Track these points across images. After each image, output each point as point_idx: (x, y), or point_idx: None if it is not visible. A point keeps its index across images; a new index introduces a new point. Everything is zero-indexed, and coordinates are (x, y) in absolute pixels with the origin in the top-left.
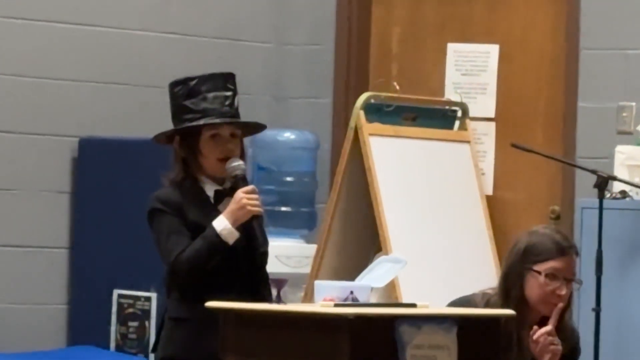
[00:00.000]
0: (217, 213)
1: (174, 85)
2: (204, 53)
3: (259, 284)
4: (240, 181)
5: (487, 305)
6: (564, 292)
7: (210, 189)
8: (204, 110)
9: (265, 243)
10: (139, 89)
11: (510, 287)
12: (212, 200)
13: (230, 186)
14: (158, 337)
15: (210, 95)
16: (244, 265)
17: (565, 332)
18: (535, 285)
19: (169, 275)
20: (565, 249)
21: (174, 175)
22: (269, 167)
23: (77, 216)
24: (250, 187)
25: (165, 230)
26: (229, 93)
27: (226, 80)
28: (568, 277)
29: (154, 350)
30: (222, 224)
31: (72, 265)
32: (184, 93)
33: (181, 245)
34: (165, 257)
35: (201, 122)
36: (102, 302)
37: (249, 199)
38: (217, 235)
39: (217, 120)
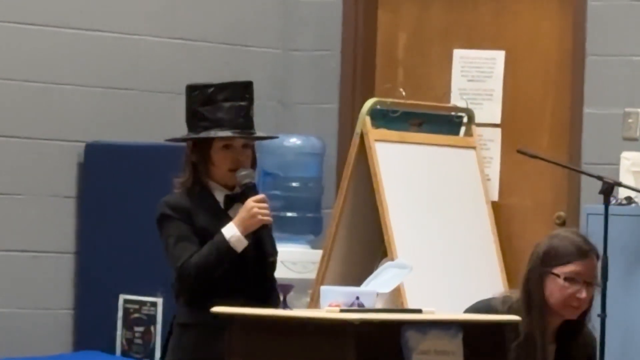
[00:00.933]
0: (227, 218)
1: (191, 89)
2: (211, 58)
3: (267, 291)
4: (250, 190)
5: (509, 310)
6: (584, 295)
7: (220, 195)
8: (219, 120)
9: (274, 252)
10: (146, 94)
11: (532, 291)
12: (222, 206)
13: (240, 192)
14: (167, 342)
15: (227, 105)
16: (253, 273)
17: (585, 338)
18: (555, 289)
19: (177, 281)
20: (586, 252)
21: (184, 179)
22: (275, 172)
23: (83, 221)
24: (260, 196)
25: (174, 236)
26: (244, 103)
27: (244, 89)
28: (588, 280)
29: (163, 357)
30: (231, 231)
31: (78, 270)
32: (200, 99)
33: (189, 251)
34: (173, 262)
35: (211, 133)
36: (108, 307)
37: (259, 207)
38: (225, 243)
39: (229, 134)
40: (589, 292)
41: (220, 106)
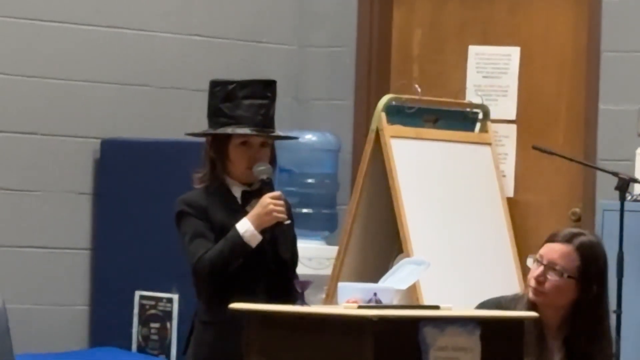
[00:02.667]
0: (244, 214)
1: (214, 84)
2: (226, 55)
3: (285, 288)
4: (266, 185)
5: (516, 307)
6: (536, 273)
7: (237, 190)
8: (237, 118)
9: (290, 250)
10: (162, 91)
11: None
12: (239, 202)
13: (257, 188)
14: (188, 340)
15: (247, 102)
16: (272, 270)
17: (601, 342)
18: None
19: (193, 277)
20: (554, 236)
21: (202, 175)
22: (290, 168)
23: (99, 217)
24: (277, 193)
25: (190, 233)
26: (265, 101)
27: (266, 87)
28: (545, 262)
29: (184, 353)
30: (245, 226)
31: (94, 266)
32: (221, 95)
33: (204, 248)
34: (189, 259)
35: (229, 130)
36: (124, 303)
37: (275, 205)
38: (239, 238)
39: (247, 131)
40: (550, 275)
41: (240, 103)
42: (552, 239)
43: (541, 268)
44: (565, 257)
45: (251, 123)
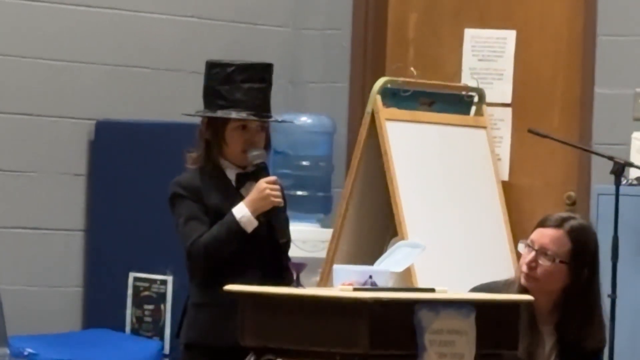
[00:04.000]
0: (239, 197)
1: (211, 65)
2: (222, 37)
3: (280, 270)
4: (261, 170)
5: (507, 292)
6: (528, 259)
7: (231, 173)
8: (236, 101)
9: (286, 234)
10: (156, 72)
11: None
12: (233, 184)
13: (252, 171)
14: (181, 322)
15: (245, 86)
16: (267, 253)
17: (592, 327)
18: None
19: (187, 260)
20: (545, 221)
21: (197, 156)
22: (285, 151)
23: (93, 199)
24: (273, 178)
25: (184, 216)
26: (263, 85)
27: (263, 71)
28: (537, 247)
29: (177, 336)
30: (241, 211)
31: (88, 247)
32: (220, 78)
33: (199, 231)
34: (183, 242)
35: (228, 114)
36: (117, 285)
37: (271, 189)
38: (236, 223)
39: (245, 115)
40: (542, 260)
41: (239, 87)
42: (542, 224)
43: (532, 253)
44: (556, 241)
45: (250, 107)
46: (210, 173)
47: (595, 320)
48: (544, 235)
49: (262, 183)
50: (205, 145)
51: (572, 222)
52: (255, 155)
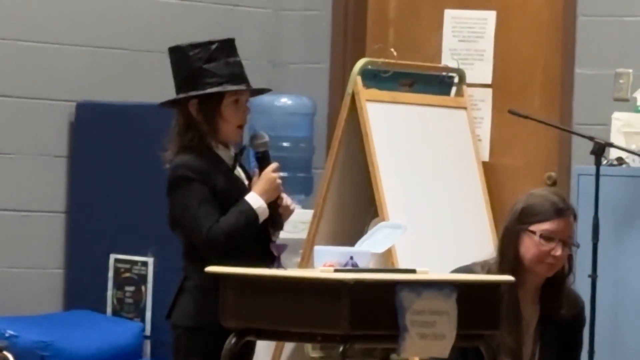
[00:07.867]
0: (237, 179)
1: (190, 48)
2: (202, 18)
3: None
4: (266, 158)
5: (488, 273)
6: (559, 253)
7: (224, 155)
8: (229, 75)
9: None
10: (137, 54)
11: (506, 247)
12: (229, 166)
13: (257, 157)
14: (173, 304)
15: (231, 60)
16: (264, 236)
17: (569, 299)
18: (531, 246)
19: (204, 246)
20: (562, 211)
21: (187, 141)
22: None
23: (74, 180)
24: (276, 165)
25: (197, 199)
26: (239, 58)
27: (233, 44)
28: (563, 238)
29: (167, 317)
30: (258, 202)
31: (69, 229)
32: (204, 57)
33: (213, 216)
34: (195, 227)
35: (226, 87)
36: (98, 267)
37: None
38: (254, 212)
39: (243, 87)
40: (565, 250)
41: (227, 62)
42: (561, 213)
43: (560, 246)
44: (573, 229)
45: (241, 80)
46: (208, 156)
47: (567, 288)
48: (567, 227)
49: (271, 173)
50: (195, 129)
51: (571, 204)
52: (259, 143)
